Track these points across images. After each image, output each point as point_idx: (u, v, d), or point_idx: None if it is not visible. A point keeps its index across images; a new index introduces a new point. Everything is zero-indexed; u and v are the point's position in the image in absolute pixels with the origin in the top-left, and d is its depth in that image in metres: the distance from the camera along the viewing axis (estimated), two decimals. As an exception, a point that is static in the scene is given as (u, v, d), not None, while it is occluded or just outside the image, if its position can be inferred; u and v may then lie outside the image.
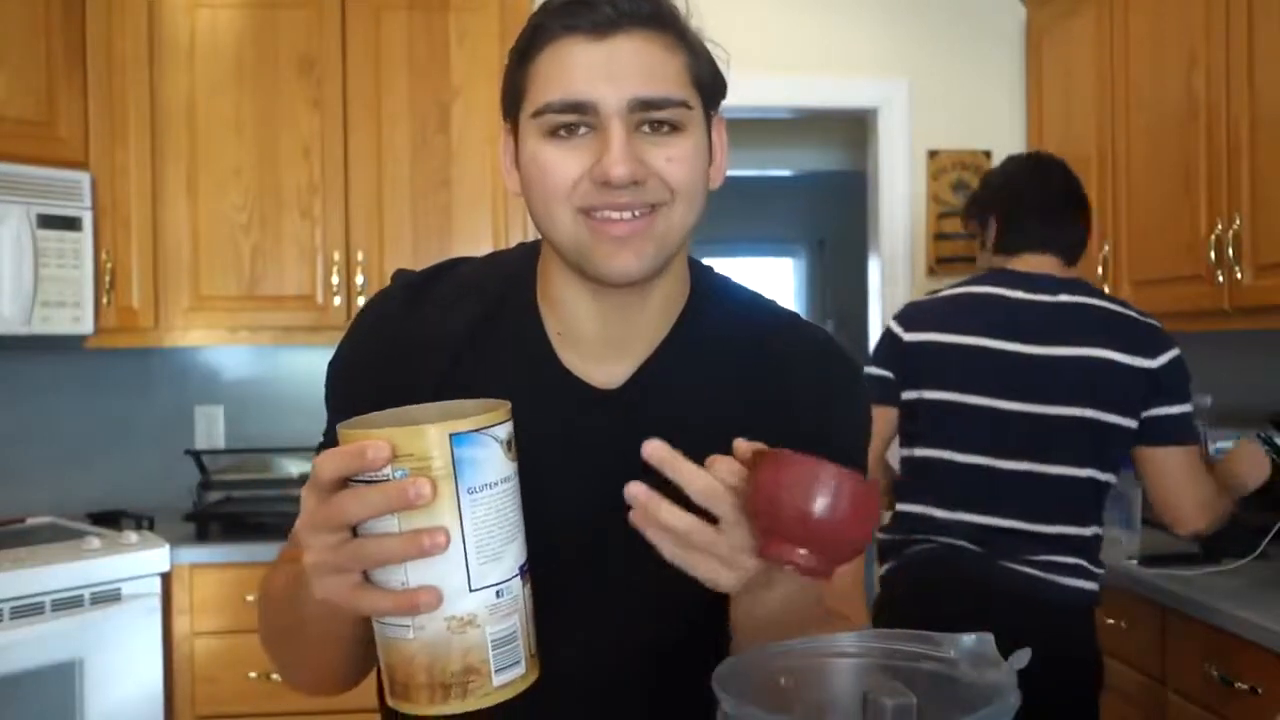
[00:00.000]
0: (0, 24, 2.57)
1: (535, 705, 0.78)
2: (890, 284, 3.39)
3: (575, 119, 0.82)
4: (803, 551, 0.70)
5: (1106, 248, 2.85)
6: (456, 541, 0.68)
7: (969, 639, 0.67)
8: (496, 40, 2.88)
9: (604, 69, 0.82)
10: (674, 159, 0.83)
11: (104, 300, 2.75)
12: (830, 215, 6.73)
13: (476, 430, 0.68)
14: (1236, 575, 2.07)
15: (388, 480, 0.66)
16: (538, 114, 0.83)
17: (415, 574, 0.68)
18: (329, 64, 2.88)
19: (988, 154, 3.39)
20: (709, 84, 0.88)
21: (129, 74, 2.79)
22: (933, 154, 3.38)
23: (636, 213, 0.83)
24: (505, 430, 0.71)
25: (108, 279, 2.76)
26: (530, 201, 0.87)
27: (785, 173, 5.73)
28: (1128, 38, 2.74)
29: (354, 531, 0.69)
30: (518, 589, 0.72)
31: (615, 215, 0.83)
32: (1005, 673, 0.64)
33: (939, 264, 3.37)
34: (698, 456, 0.92)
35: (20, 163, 2.56)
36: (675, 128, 0.84)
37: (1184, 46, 2.48)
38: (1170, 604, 2.04)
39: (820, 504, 0.69)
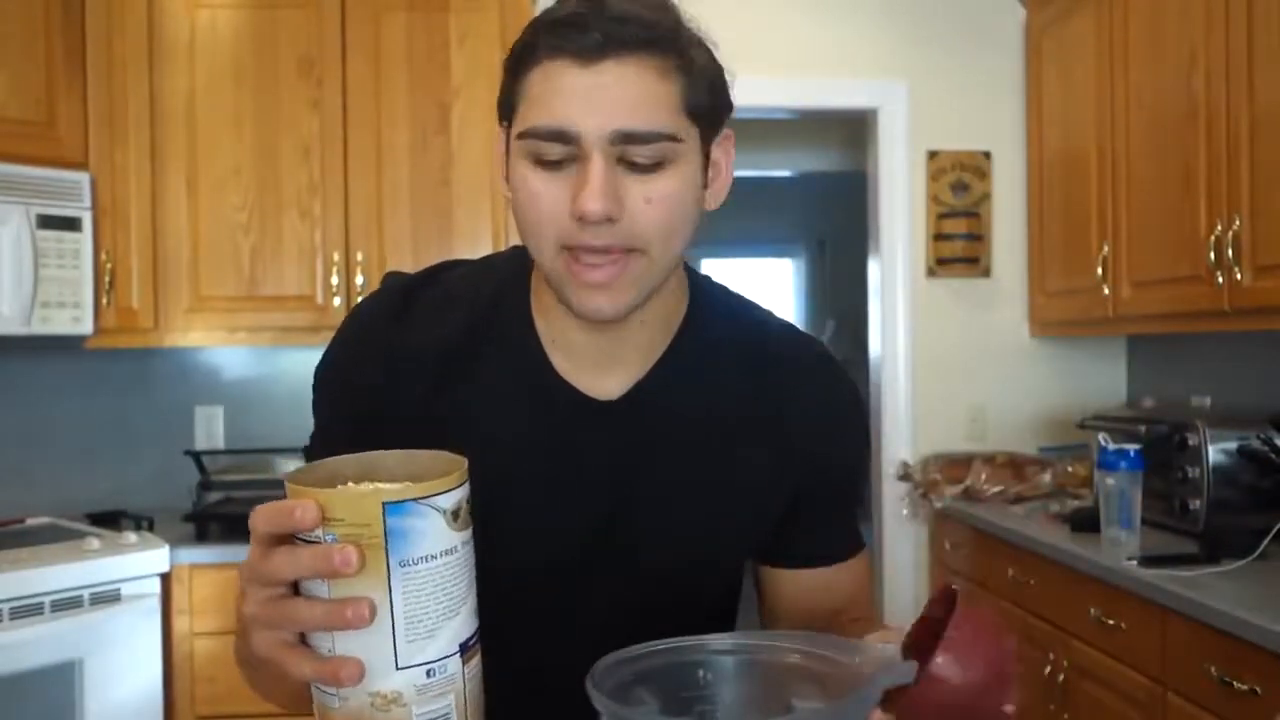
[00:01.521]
0: (0, 24, 2.57)
1: (534, 716, 0.77)
2: (890, 284, 3.39)
3: (557, 147, 0.79)
4: (1009, 708, 0.70)
5: (1106, 248, 2.84)
6: (384, 615, 0.63)
7: (890, 648, 0.69)
8: (496, 41, 2.88)
9: (587, 98, 0.78)
10: (653, 200, 0.80)
11: (104, 300, 2.75)
12: (830, 215, 6.74)
13: (414, 499, 0.62)
14: (1236, 575, 2.07)
15: (319, 543, 0.63)
16: (522, 136, 0.81)
17: (342, 643, 0.64)
18: (329, 64, 2.89)
19: (987, 154, 3.39)
20: (707, 109, 0.83)
21: (129, 74, 2.79)
22: (932, 154, 3.38)
23: (614, 254, 0.81)
24: (451, 499, 0.64)
25: (107, 279, 2.76)
26: (518, 223, 0.85)
27: (785, 173, 5.73)
28: (1127, 38, 2.74)
29: (295, 586, 0.66)
30: (455, 668, 0.66)
31: (592, 260, 0.80)
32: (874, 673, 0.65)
33: (939, 264, 3.37)
34: (693, 468, 0.92)
35: (20, 163, 2.56)
36: (660, 162, 0.80)
37: (1184, 46, 2.48)
38: (1170, 604, 2.03)
39: (972, 677, 0.68)
